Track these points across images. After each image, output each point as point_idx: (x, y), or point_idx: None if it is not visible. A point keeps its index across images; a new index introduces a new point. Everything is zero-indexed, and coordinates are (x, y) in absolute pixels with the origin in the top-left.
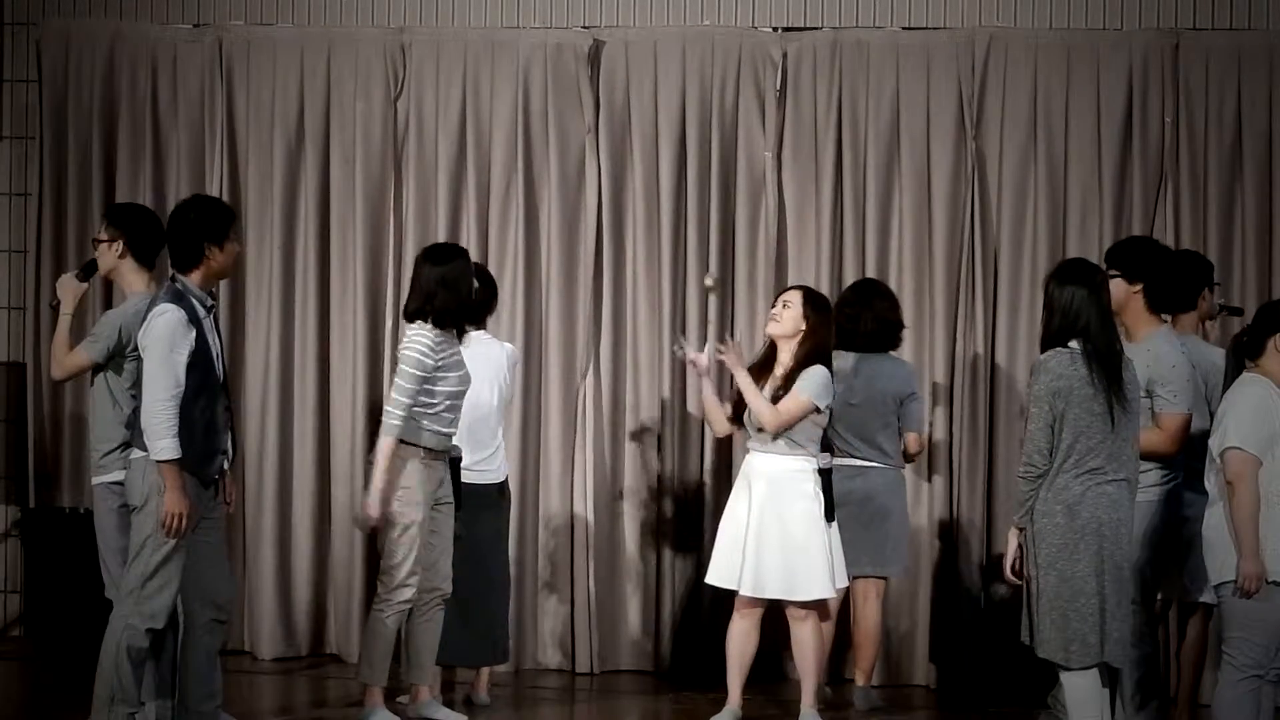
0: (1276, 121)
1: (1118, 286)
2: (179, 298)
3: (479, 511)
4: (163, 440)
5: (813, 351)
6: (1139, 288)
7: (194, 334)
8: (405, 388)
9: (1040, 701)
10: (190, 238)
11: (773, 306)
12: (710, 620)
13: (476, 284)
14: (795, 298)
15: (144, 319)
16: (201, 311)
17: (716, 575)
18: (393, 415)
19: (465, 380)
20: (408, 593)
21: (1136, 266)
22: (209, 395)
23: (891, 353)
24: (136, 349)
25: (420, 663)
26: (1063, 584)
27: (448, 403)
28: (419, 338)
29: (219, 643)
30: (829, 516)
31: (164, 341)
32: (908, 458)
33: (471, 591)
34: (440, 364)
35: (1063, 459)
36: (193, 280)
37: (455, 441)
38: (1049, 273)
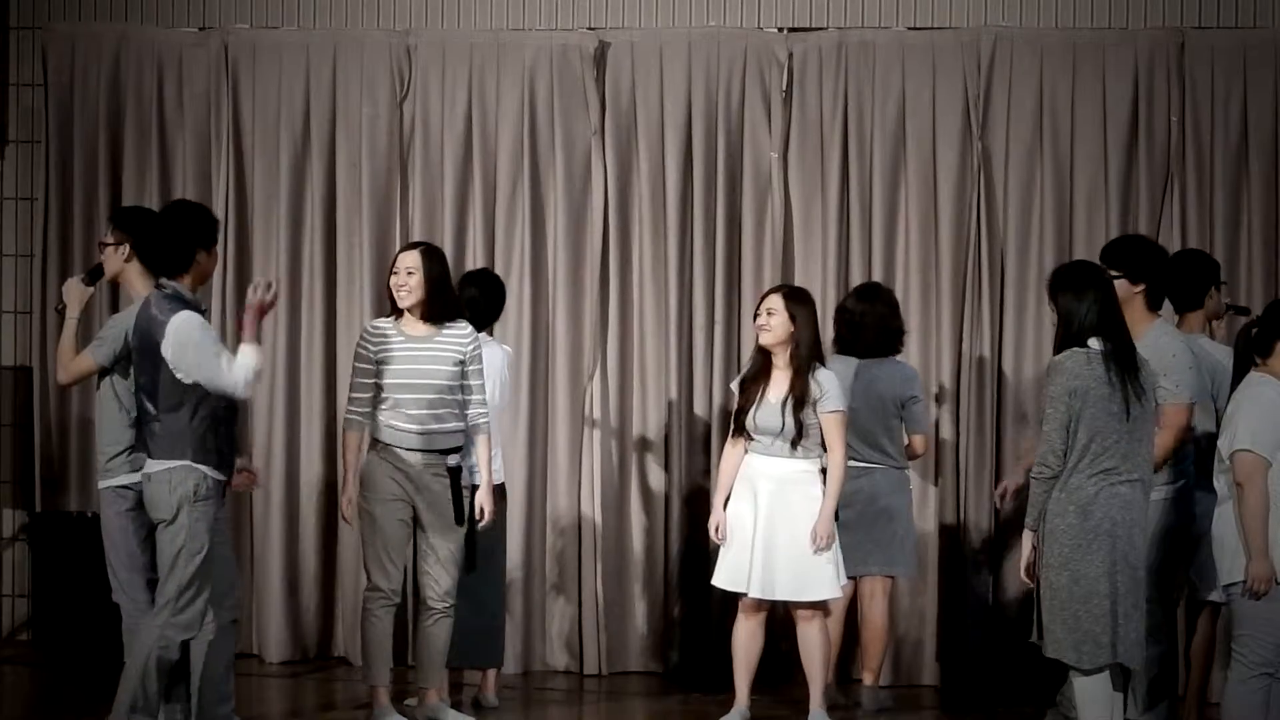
0: None
1: (1120, 287)
2: (179, 300)
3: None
4: (245, 374)
5: (809, 350)
6: (1141, 288)
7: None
8: (351, 380)
9: (1049, 700)
10: (182, 243)
11: (756, 316)
12: (718, 621)
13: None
14: (777, 302)
15: (141, 330)
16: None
17: (723, 578)
18: (347, 409)
19: (416, 375)
20: (377, 591)
21: (1138, 266)
22: (227, 435)
23: (894, 356)
24: None
25: (427, 668)
26: (1075, 584)
27: (394, 397)
28: (363, 331)
29: (234, 645)
30: (834, 516)
31: (198, 336)
32: (914, 458)
33: (475, 594)
34: (378, 355)
35: (1077, 459)
36: (183, 285)
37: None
38: (1053, 278)
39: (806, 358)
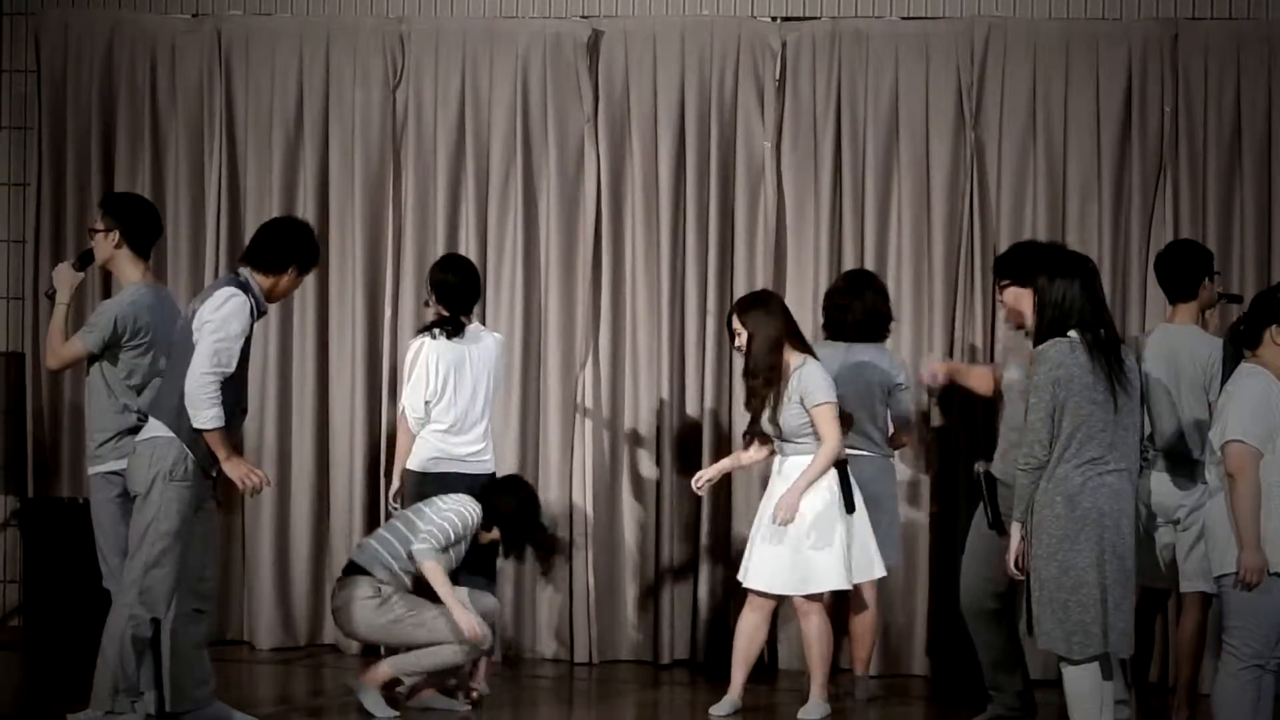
0: (1275, 111)
1: (1013, 294)
2: (245, 289)
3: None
4: (209, 410)
5: (774, 348)
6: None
7: (249, 325)
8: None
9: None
10: (285, 250)
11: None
12: (709, 610)
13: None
14: (735, 319)
15: (204, 299)
16: (255, 315)
17: (761, 581)
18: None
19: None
20: (484, 630)
21: (1026, 271)
22: (235, 394)
23: (881, 343)
24: (133, 339)
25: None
26: (1064, 575)
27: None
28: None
29: (204, 631)
30: (849, 507)
31: (231, 321)
32: (898, 446)
33: (466, 584)
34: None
35: (1062, 449)
36: (258, 284)
37: (454, 434)
38: (1040, 263)
39: (779, 360)
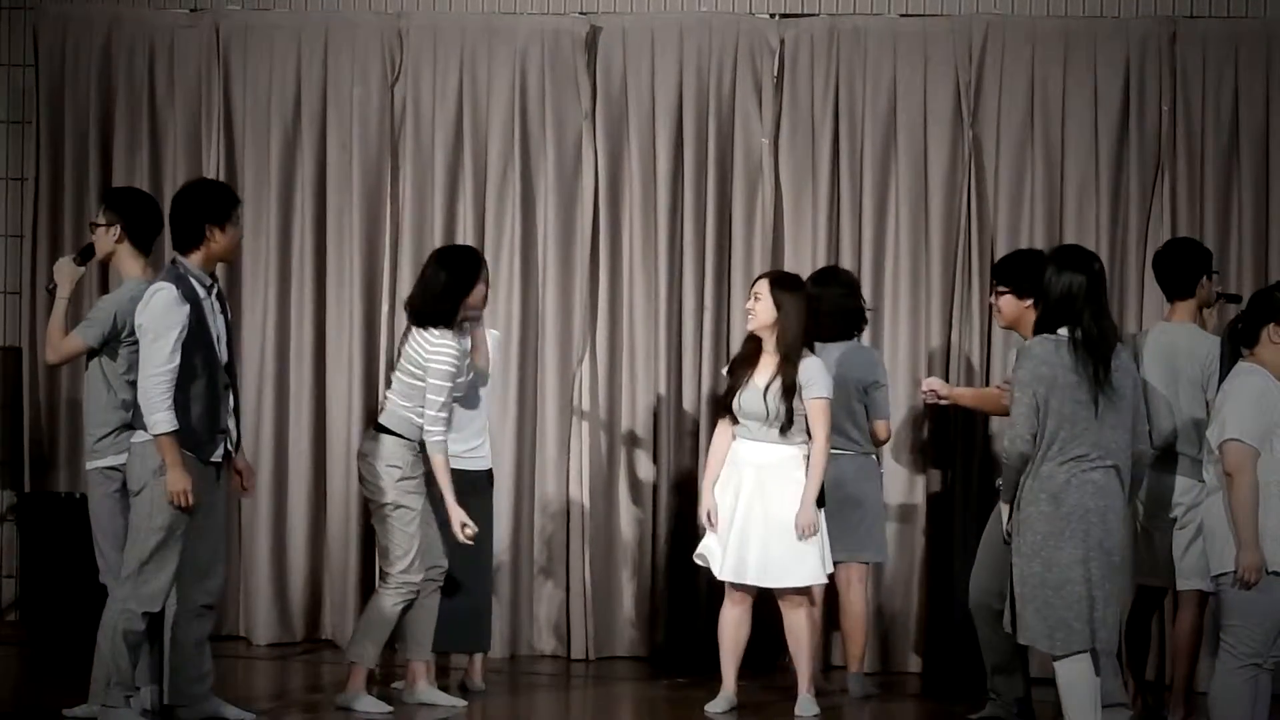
0: (1273, 109)
1: (1008, 302)
2: (178, 279)
3: (470, 498)
4: (158, 414)
5: (794, 337)
6: (1029, 302)
7: (188, 310)
8: (446, 401)
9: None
10: (192, 218)
11: (747, 300)
12: (706, 606)
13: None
14: (763, 287)
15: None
16: (201, 292)
17: (702, 558)
18: (441, 430)
19: (470, 379)
20: (416, 576)
21: (1026, 281)
22: (209, 376)
23: (855, 339)
24: (133, 334)
25: (419, 640)
26: (1047, 572)
27: (454, 399)
28: (446, 348)
29: (209, 627)
30: (820, 503)
31: (159, 318)
32: (877, 444)
33: (463, 578)
34: (460, 369)
35: (1046, 447)
36: (193, 261)
37: (452, 430)
38: (1046, 257)
39: (793, 344)
